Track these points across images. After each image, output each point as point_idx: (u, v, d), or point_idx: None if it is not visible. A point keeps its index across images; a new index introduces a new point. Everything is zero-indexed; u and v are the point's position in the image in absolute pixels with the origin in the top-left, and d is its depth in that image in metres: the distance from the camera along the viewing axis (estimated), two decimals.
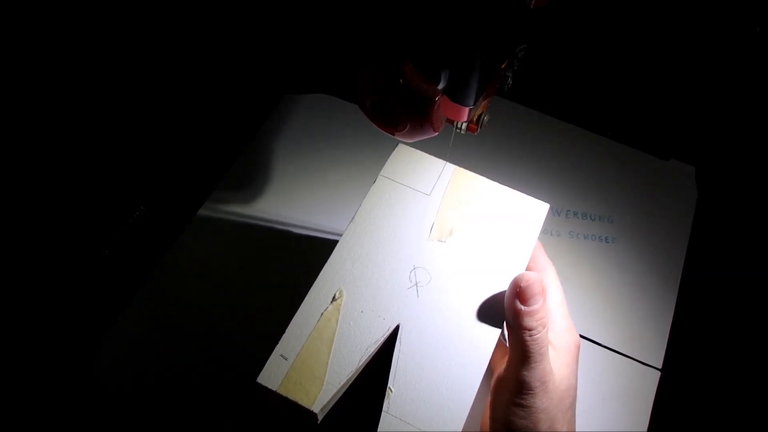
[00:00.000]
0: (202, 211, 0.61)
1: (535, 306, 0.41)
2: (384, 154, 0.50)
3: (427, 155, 0.50)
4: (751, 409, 0.54)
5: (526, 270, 0.47)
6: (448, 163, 0.49)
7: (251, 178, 0.63)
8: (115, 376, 0.53)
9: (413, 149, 0.49)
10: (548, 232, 0.61)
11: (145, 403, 0.52)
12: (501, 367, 0.44)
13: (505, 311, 0.43)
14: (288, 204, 0.62)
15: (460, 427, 0.39)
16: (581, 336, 0.54)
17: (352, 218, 0.46)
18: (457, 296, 0.43)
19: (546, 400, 0.41)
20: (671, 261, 0.59)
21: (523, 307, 0.41)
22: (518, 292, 0.42)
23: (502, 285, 0.43)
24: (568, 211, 0.62)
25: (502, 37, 0.41)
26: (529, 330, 0.41)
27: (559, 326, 0.45)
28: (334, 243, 0.46)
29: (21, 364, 0.54)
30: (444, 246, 0.45)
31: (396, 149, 0.50)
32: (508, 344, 0.43)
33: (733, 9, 0.65)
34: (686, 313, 0.57)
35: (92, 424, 0.51)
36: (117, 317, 0.55)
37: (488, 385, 0.45)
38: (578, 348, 0.45)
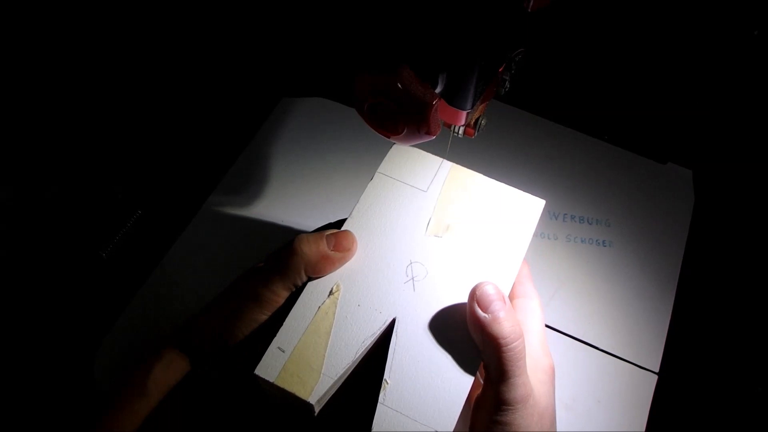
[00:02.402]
0: (201, 214, 0.63)
1: (500, 312, 0.41)
2: (381, 157, 0.52)
3: (424, 152, 0.51)
4: (749, 412, 0.56)
5: (512, 295, 0.48)
6: (445, 160, 0.51)
7: (249, 180, 0.65)
8: (115, 378, 0.53)
9: (411, 146, 0.51)
10: (545, 235, 0.62)
11: None
12: (478, 391, 0.44)
13: (469, 328, 0.42)
14: (286, 206, 0.63)
15: (455, 419, 0.41)
16: (579, 339, 0.57)
17: (350, 214, 0.48)
18: (453, 291, 0.45)
19: (526, 417, 0.40)
20: (668, 264, 0.61)
21: (486, 315, 0.41)
22: (477, 301, 0.41)
23: (498, 280, 0.45)
24: (566, 214, 0.64)
25: (499, 40, 0.42)
26: (503, 338, 0.40)
27: (534, 349, 0.45)
28: None
29: (21, 366, 0.55)
30: (440, 241, 0.47)
31: (393, 146, 0.52)
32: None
33: (731, 13, 0.67)
34: (683, 316, 0.58)
35: (92, 424, 0.53)
36: (116, 319, 0.57)
37: (468, 409, 0.44)
38: (553, 371, 0.45)
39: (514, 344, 0.40)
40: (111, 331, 0.56)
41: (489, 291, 0.42)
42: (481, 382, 0.44)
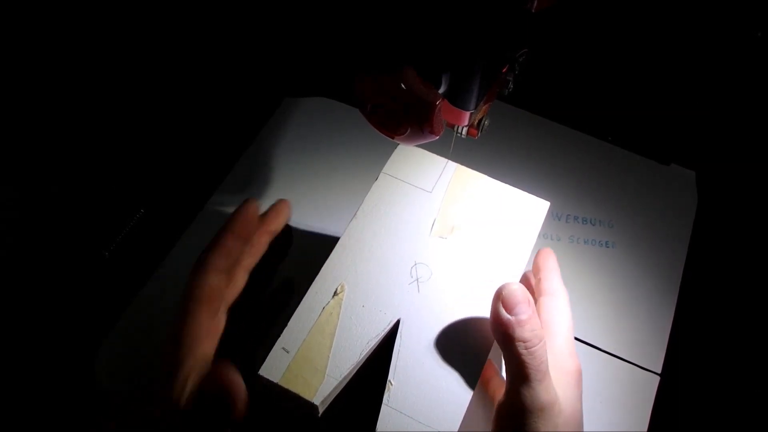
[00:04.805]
0: (203, 214, 0.63)
1: (524, 315, 0.40)
2: (384, 157, 0.52)
3: (429, 153, 0.52)
4: (750, 414, 0.56)
5: (539, 292, 0.49)
6: (449, 161, 0.51)
7: (252, 180, 0.65)
8: (115, 378, 0.54)
9: (416, 147, 0.51)
10: (548, 236, 0.62)
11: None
12: (501, 394, 0.43)
13: (491, 329, 0.42)
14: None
15: (459, 420, 0.41)
16: (581, 340, 0.56)
17: (354, 214, 0.48)
18: (457, 292, 0.45)
19: (551, 425, 0.39)
20: (671, 266, 0.61)
21: (511, 317, 0.40)
22: (502, 302, 0.41)
23: (502, 282, 0.44)
24: (569, 215, 0.64)
25: (503, 41, 0.42)
26: (524, 342, 0.40)
27: (561, 350, 0.44)
28: (335, 243, 0.48)
29: (21, 365, 0.55)
30: (445, 242, 0.48)
31: (398, 147, 0.52)
32: (504, 371, 0.42)
33: (734, 14, 0.67)
34: (686, 317, 0.58)
35: (93, 426, 0.52)
36: (117, 319, 0.57)
37: (489, 417, 0.44)
38: (580, 374, 0.44)
39: (534, 348, 0.40)
40: (112, 330, 0.56)
41: (516, 293, 0.41)
42: (503, 378, 0.44)
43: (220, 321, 0.45)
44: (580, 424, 0.43)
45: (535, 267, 0.50)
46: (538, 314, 0.46)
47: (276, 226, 0.52)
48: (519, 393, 0.40)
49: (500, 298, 0.41)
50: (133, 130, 0.68)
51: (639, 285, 0.60)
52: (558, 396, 0.41)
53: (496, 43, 0.42)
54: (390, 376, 0.42)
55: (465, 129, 0.47)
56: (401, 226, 0.48)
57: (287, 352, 0.42)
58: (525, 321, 0.40)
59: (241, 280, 0.48)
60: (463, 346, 0.43)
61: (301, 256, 0.59)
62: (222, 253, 0.46)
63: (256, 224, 0.49)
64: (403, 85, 0.40)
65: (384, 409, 0.41)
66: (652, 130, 0.70)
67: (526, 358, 0.40)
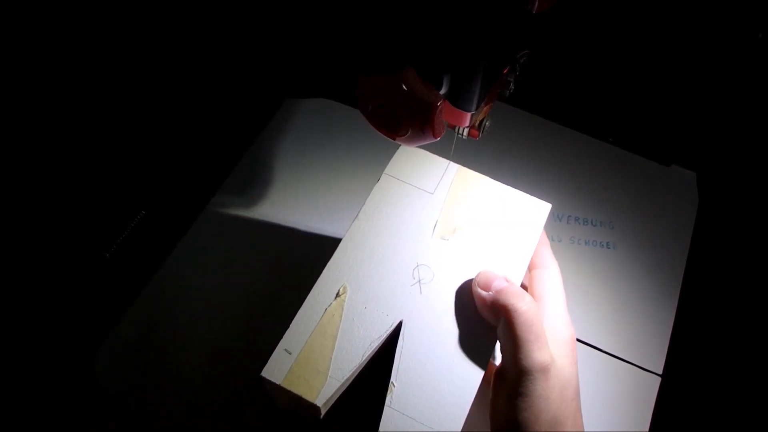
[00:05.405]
0: (204, 215, 0.63)
1: (501, 286, 0.43)
2: (385, 158, 0.52)
3: (431, 154, 0.52)
4: (751, 415, 0.56)
5: (530, 266, 0.49)
6: (451, 163, 0.51)
7: (253, 181, 0.65)
8: (116, 379, 0.54)
9: (418, 148, 0.51)
10: (549, 237, 0.60)
11: (145, 405, 0.53)
12: (497, 364, 0.44)
13: (482, 314, 0.44)
14: (290, 208, 0.63)
15: (462, 421, 0.41)
16: (582, 341, 0.57)
17: (356, 216, 0.48)
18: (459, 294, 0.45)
19: (547, 388, 0.40)
20: (672, 267, 0.61)
21: (489, 293, 0.43)
22: (479, 286, 0.44)
23: None
24: (569, 216, 0.64)
25: (504, 42, 0.42)
26: (511, 305, 0.41)
27: (554, 319, 0.45)
28: (337, 244, 0.47)
29: (22, 366, 0.55)
30: (447, 244, 0.47)
31: (400, 148, 0.52)
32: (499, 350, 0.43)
33: (734, 15, 0.67)
34: (687, 318, 0.58)
35: (93, 426, 0.53)
36: (118, 320, 0.57)
37: (488, 387, 0.45)
38: (575, 343, 0.45)
39: (523, 309, 0.41)
40: (112, 330, 0.57)
41: (488, 272, 0.44)
42: (496, 364, 0.44)
43: None
44: (576, 390, 0.44)
45: None
46: (531, 287, 0.48)
47: None
48: (514, 357, 0.41)
49: (477, 285, 0.44)
50: (134, 130, 0.68)
51: (640, 286, 0.60)
52: (554, 361, 0.42)
53: (497, 44, 0.41)
54: (392, 378, 0.42)
55: (466, 130, 0.47)
56: (403, 228, 0.48)
57: (289, 353, 0.42)
58: (504, 289, 0.42)
59: None
60: (465, 347, 0.43)
61: (303, 258, 0.59)
62: None
63: None
64: (404, 86, 0.40)
65: (386, 411, 0.41)
66: (652, 130, 0.70)
67: (516, 320, 0.41)
